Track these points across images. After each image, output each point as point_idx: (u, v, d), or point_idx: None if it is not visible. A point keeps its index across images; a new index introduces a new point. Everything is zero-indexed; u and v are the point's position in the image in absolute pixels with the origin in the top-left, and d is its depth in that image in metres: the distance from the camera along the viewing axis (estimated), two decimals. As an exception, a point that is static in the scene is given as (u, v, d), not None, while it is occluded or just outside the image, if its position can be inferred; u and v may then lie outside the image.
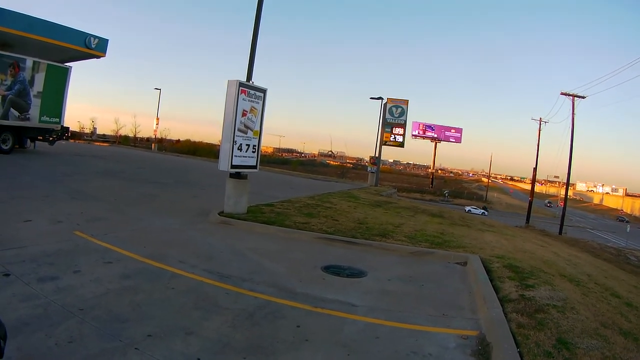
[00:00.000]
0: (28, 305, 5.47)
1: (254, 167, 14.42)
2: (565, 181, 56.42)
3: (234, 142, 13.24)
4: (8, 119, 25.14)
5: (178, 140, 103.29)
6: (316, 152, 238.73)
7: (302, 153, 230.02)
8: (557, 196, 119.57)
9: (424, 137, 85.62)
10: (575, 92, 50.32)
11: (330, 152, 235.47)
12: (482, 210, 74.43)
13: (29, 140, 28.10)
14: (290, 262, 9.20)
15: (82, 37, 29.05)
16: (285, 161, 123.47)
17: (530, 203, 62.55)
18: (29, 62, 26.00)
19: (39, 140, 28.53)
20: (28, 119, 26.25)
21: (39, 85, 26.60)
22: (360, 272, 8.73)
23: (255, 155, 14.33)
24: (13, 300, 5.60)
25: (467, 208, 71.47)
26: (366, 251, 10.77)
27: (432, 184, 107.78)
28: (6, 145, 25.43)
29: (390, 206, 21.38)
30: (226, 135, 13.27)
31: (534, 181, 65.59)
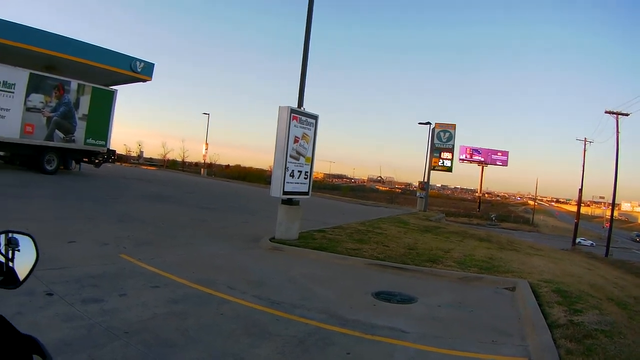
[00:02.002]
0: (71, 326, 5.52)
1: (306, 193, 14.54)
2: (611, 202, 55.11)
3: (286, 168, 13.38)
4: (53, 140, 25.97)
5: (227, 166, 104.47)
6: (365, 178, 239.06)
7: (352, 179, 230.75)
8: (602, 217, 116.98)
9: (470, 161, 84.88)
10: (619, 109, 50.35)
11: (379, 178, 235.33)
12: (591, 242, 73.19)
13: (73, 162, 28.97)
14: (341, 288, 9.21)
15: (128, 61, 29.94)
16: (335, 187, 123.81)
17: (576, 225, 61.53)
18: (74, 84, 26.94)
19: (84, 162, 29.32)
20: (73, 141, 27.06)
21: (84, 107, 27.52)
22: (411, 298, 8.69)
23: (307, 182, 14.46)
24: (55, 319, 5.66)
25: (578, 240, 69.96)
26: (416, 277, 10.80)
27: (479, 208, 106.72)
28: (51, 166, 26.24)
29: (439, 231, 21.42)
30: (278, 161, 13.44)
31: (579, 203, 64.80)
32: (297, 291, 8.58)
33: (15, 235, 1.94)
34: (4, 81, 23.53)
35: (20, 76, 24.29)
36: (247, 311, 7.04)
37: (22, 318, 5.42)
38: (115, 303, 6.61)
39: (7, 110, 23.86)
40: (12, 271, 1.87)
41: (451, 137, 45.78)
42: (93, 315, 5.97)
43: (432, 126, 44.12)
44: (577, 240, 69.07)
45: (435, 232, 20.36)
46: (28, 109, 24.78)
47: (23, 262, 1.92)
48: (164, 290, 7.61)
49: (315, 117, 14.39)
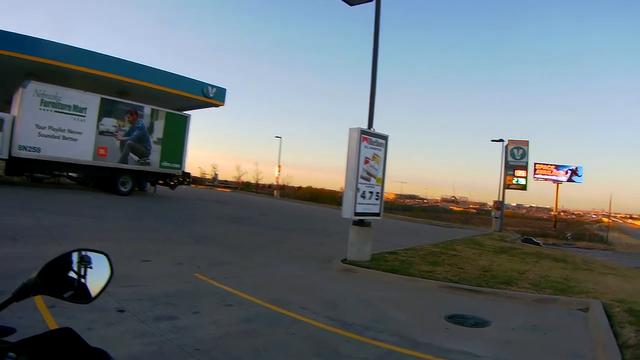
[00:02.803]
0: (141, 342, 5.58)
1: (378, 214, 14.42)
2: None
3: (357, 189, 13.32)
4: (127, 163, 26.91)
5: (300, 187, 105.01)
6: (438, 198, 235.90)
7: (425, 199, 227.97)
8: None
9: (545, 179, 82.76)
10: None
11: (452, 198, 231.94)
12: None
13: (149, 184, 29.69)
14: (414, 310, 9.10)
15: (200, 87, 30.88)
16: (407, 208, 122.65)
17: None
18: (147, 109, 27.97)
19: (160, 184, 30.08)
20: (148, 164, 27.92)
21: (158, 131, 28.50)
22: (484, 322, 8.49)
23: (379, 203, 14.35)
24: (126, 335, 5.74)
25: None
26: (490, 299, 10.57)
27: (554, 226, 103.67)
28: (125, 188, 27.20)
29: (515, 252, 21.04)
30: (349, 182, 13.41)
31: None
32: (368, 313, 8.48)
33: (89, 254, 1.96)
34: (74, 105, 24.51)
35: (91, 101, 25.34)
36: (319, 332, 6.98)
37: (93, 333, 5.50)
38: (188, 321, 6.66)
39: (80, 133, 24.87)
40: (84, 287, 1.89)
41: (525, 154, 44.83)
42: (165, 332, 6.02)
43: (505, 143, 43.17)
44: None
45: (510, 254, 19.98)
46: (101, 133, 25.79)
47: (96, 279, 1.94)
48: (237, 309, 7.65)
49: (385, 138, 14.33)
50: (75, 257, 1.91)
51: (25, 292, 1.70)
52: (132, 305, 6.97)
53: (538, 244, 68.85)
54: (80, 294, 1.87)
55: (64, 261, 1.87)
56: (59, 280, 1.83)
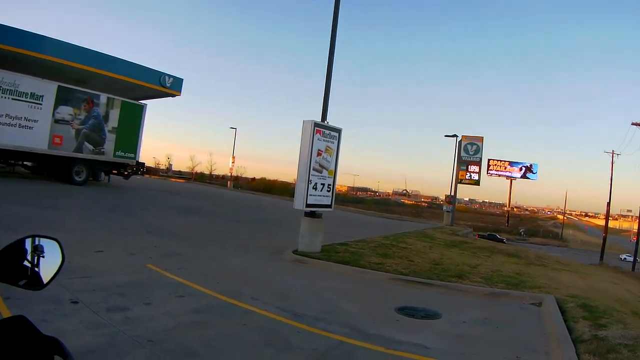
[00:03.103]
0: (95, 334, 5.60)
1: (329, 206, 14.57)
2: (638, 215, 54.29)
3: (309, 181, 13.43)
4: (82, 152, 26.48)
5: (254, 179, 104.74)
6: (390, 191, 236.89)
7: (377, 192, 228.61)
8: (630, 231, 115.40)
9: (499, 175, 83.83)
10: None
11: (404, 191, 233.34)
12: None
13: (103, 174, 29.32)
14: (364, 302, 9.20)
15: (157, 76, 30.44)
16: (359, 200, 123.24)
17: (604, 240, 60.47)
18: (103, 98, 27.51)
19: (114, 174, 29.74)
20: (102, 153, 27.52)
21: (113, 121, 28.05)
22: (435, 314, 8.62)
23: (330, 195, 14.49)
24: (80, 327, 5.75)
25: (622, 256, 68.92)
26: (441, 292, 10.70)
27: (507, 222, 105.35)
28: (80, 177, 26.76)
29: (467, 246, 21.26)
30: (301, 174, 13.52)
31: (607, 217, 63.75)
32: (319, 304, 8.59)
33: (42, 240, 2.00)
34: (31, 93, 24.00)
35: (48, 88, 24.78)
36: (270, 323, 7.07)
37: (47, 325, 5.50)
38: (140, 312, 6.70)
39: (35, 121, 24.32)
40: (36, 274, 1.94)
41: (479, 150, 45.38)
42: (118, 323, 6.05)
43: (459, 139, 43.66)
44: (623, 256, 67.93)
45: (462, 247, 20.22)
46: (56, 121, 25.24)
47: (48, 266, 1.98)
48: (188, 300, 7.70)
49: (338, 131, 14.47)
50: (28, 243, 1.95)
51: None
52: (86, 296, 6.96)
53: (502, 240, 70.06)
54: (33, 280, 1.93)
55: (17, 248, 1.92)
56: (11, 267, 1.89)
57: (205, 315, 6.98)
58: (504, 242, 62.65)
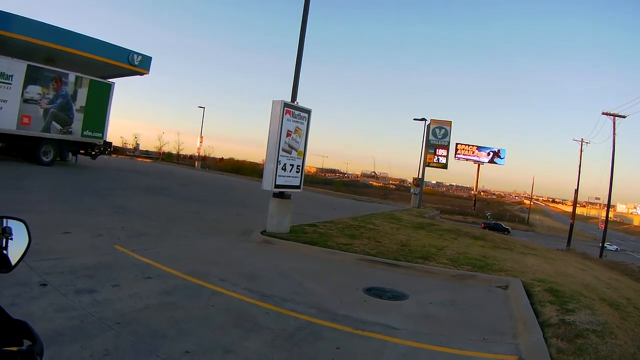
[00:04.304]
0: (64, 317, 5.55)
1: (298, 187, 14.60)
2: (606, 203, 55.42)
3: (278, 162, 13.43)
4: (50, 132, 25.99)
5: (222, 159, 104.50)
6: (359, 173, 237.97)
7: (345, 173, 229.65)
8: (597, 218, 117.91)
9: (466, 159, 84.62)
10: (616, 111, 49.64)
11: (373, 173, 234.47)
12: (616, 247, 73.03)
13: (70, 154, 28.91)
14: (332, 283, 9.24)
15: (126, 54, 29.95)
16: (328, 181, 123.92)
17: (572, 226, 61.48)
18: (72, 76, 26.97)
19: (81, 154, 29.34)
20: (70, 133, 27.07)
21: (81, 100, 27.53)
22: (402, 295, 8.70)
23: (299, 176, 14.52)
24: (49, 310, 5.69)
25: (608, 246, 69.55)
26: (408, 274, 10.77)
27: (474, 206, 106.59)
28: (47, 158, 26.26)
29: (433, 228, 21.38)
30: (270, 155, 13.49)
31: (575, 203, 64.79)
32: (287, 285, 8.62)
33: (8, 222, 1.97)
34: (1, 72, 23.52)
35: (18, 67, 24.26)
36: (238, 304, 7.09)
37: (17, 309, 5.44)
38: (108, 294, 6.64)
39: (4, 101, 23.83)
40: (4, 257, 1.91)
41: (447, 134, 45.92)
42: (86, 305, 6.00)
43: (428, 122, 44.01)
44: (609, 246, 68.55)
45: (428, 229, 20.34)
46: (25, 101, 24.74)
47: (15, 248, 1.96)
48: (156, 282, 7.65)
49: (308, 112, 14.46)
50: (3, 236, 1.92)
51: None
52: (54, 278, 6.88)
53: (507, 230, 70.54)
54: (1, 263, 1.90)
55: None
56: None
57: (173, 297, 6.95)
58: (509, 232, 63.10)
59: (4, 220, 1.96)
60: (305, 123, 14.40)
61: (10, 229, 1.96)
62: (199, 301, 6.95)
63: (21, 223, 2.03)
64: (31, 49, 25.28)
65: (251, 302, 7.21)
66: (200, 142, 70.34)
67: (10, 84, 23.93)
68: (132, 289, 7.01)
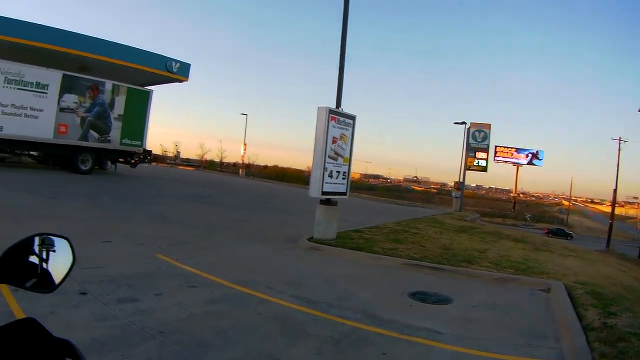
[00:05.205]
0: (105, 326, 5.55)
1: (344, 193, 14.62)
2: None
3: (325, 169, 13.46)
4: (87, 140, 26.48)
5: (266, 166, 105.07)
6: (401, 178, 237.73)
7: (388, 179, 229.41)
8: (636, 218, 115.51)
9: (505, 161, 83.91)
10: None
11: (415, 178, 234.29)
12: None
13: (109, 162, 29.38)
14: (378, 288, 9.25)
15: (163, 61, 30.41)
16: (371, 187, 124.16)
17: (611, 226, 60.73)
18: (108, 85, 27.44)
19: (120, 162, 29.77)
20: (108, 141, 27.52)
21: (119, 108, 28.00)
22: (446, 299, 8.70)
23: (345, 182, 14.55)
24: (89, 319, 5.69)
25: None
26: (452, 277, 10.80)
27: (514, 208, 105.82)
28: (85, 166, 26.77)
29: (475, 232, 21.30)
30: (317, 162, 13.56)
31: (614, 204, 64.34)
32: (334, 291, 8.61)
33: (51, 239, 1.91)
34: (37, 82, 24.07)
35: (53, 77, 24.84)
36: (285, 311, 7.05)
37: (56, 317, 5.46)
38: (151, 303, 6.65)
39: (40, 110, 24.40)
40: (47, 273, 1.85)
41: (486, 137, 45.71)
42: (128, 314, 6.00)
43: (467, 126, 43.84)
44: None
45: (470, 233, 20.28)
46: (62, 110, 25.30)
47: (58, 265, 1.89)
48: (200, 290, 7.65)
49: (352, 118, 14.50)
50: (36, 242, 1.86)
51: None
52: (94, 287, 6.91)
53: (570, 235, 69.69)
54: (43, 282, 1.84)
55: (24, 247, 1.82)
56: (19, 268, 1.80)
57: (219, 306, 6.93)
58: (572, 237, 62.24)
59: (46, 237, 1.90)
60: (351, 129, 14.44)
61: (51, 246, 1.91)
62: (245, 309, 6.92)
63: (64, 240, 1.97)
64: (66, 58, 25.84)
65: (298, 309, 7.18)
66: (244, 149, 70.87)
67: (46, 93, 24.50)
68: (176, 298, 7.01)
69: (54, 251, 1.89)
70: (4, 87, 23.41)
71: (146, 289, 7.28)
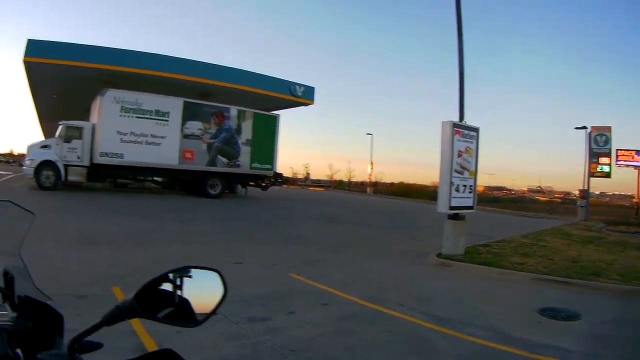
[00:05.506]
0: (234, 345, 5.67)
1: (471, 207, 14.52)
2: None
3: (451, 183, 13.38)
4: (215, 166, 27.47)
5: (392, 183, 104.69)
6: (525, 188, 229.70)
7: (512, 190, 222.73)
8: None
9: (626, 165, 78.99)
10: None
11: (538, 188, 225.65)
12: None
13: (239, 186, 30.21)
14: (507, 304, 9.08)
15: (287, 86, 31.18)
16: (496, 199, 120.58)
17: None
18: (234, 111, 28.44)
19: (251, 185, 30.61)
20: (238, 166, 28.44)
21: (247, 133, 28.99)
22: (575, 315, 8.37)
23: (472, 196, 14.44)
24: (218, 338, 5.80)
25: None
26: (580, 291, 10.46)
27: (637, 214, 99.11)
28: (215, 191, 27.82)
29: (601, 242, 20.35)
30: (444, 176, 13.50)
31: None
32: (463, 308, 8.47)
33: (199, 271, 1.79)
34: (156, 110, 25.26)
35: (174, 104, 26.13)
36: (415, 328, 6.99)
37: (183, 337, 5.56)
38: (283, 321, 6.75)
39: (163, 137, 25.68)
40: (188, 308, 1.70)
41: (608, 141, 43.42)
42: (259, 333, 6.11)
43: (589, 130, 41.79)
44: None
45: (597, 243, 19.43)
46: (186, 136, 26.50)
47: (206, 300, 1.76)
48: (332, 308, 7.71)
49: (476, 130, 14.40)
50: (180, 275, 1.73)
51: (118, 316, 1.58)
52: (225, 307, 6.98)
53: None
54: (185, 316, 1.69)
55: (166, 280, 1.70)
56: (159, 302, 1.67)
57: (350, 323, 6.95)
58: None
59: (192, 269, 1.78)
60: (475, 142, 14.33)
61: (196, 274, 1.78)
62: (375, 327, 6.89)
63: (214, 272, 1.83)
64: (187, 86, 27.00)
65: (428, 327, 7.08)
66: (371, 168, 71.28)
67: (167, 120, 25.80)
68: (308, 316, 7.10)
69: (197, 284, 1.75)
70: (121, 115, 24.79)
71: (278, 307, 7.40)
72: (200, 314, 1.69)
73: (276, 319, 6.77)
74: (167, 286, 1.69)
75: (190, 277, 1.72)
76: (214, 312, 1.75)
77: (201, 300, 1.72)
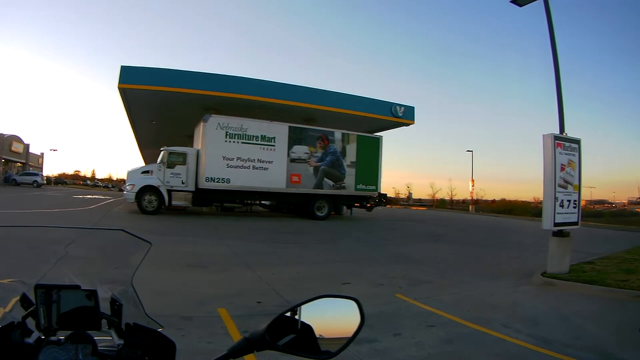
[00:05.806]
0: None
1: (576, 223, 14.10)
2: None
3: (555, 198, 13.11)
4: (322, 188, 28.00)
5: (493, 201, 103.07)
6: (626, 201, 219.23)
7: (613, 203, 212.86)
8: None
9: None
10: None
11: (638, 199, 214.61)
12: None
13: (345, 207, 30.54)
14: (612, 323, 8.81)
15: (388, 107, 31.37)
16: (598, 213, 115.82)
17: None
18: (338, 134, 28.94)
19: (356, 207, 31.03)
20: (343, 188, 28.87)
21: (351, 155, 29.40)
22: None
23: (576, 211, 14.03)
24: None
25: None
26: None
27: None
28: (321, 212, 28.35)
29: None
30: (547, 192, 13.28)
31: None
32: (569, 328, 8.36)
33: (338, 300, 1.87)
34: (261, 135, 25.97)
35: (279, 130, 26.84)
36: (520, 351, 6.97)
37: (265, 356, 5.84)
38: (389, 343, 6.88)
39: (270, 162, 26.44)
40: (323, 337, 1.73)
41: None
42: (364, 355, 6.23)
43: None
44: None
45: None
46: (292, 160, 27.11)
47: (340, 327, 1.81)
48: (438, 330, 7.77)
49: (577, 142, 14.05)
50: (322, 303, 1.79)
51: (247, 347, 1.62)
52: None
53: None
54: (308, 343, 1.69)
55: (296, 313, 1.72)
56: (288, 333, 1.68)
57: (456, 346, 7.05)
58: None
59: (326, 299, 1.83)
60: (577, 154, 13.97)
61: (337, 307, 1.87)
62: (481, 349, 6.95)
63: (352, 301, 1.88)
64: (289, 110, 27.69)
65: (533, 349, 7.04)
66: (472, 185, 70.54)
67: (274, 145, 26.50)
68: (414, 338, 7.19)
69: (332, 314, 1.83)
70: (226, 141, 25.59)
71: (385, 329, 7.49)
72: (329, 340, 1.73)
73: (382, 341, 6.89)
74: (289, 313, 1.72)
75: (328, 311, 1.79)
76: (350, 341, 1.77)
77: (328, 327, 1.76)
